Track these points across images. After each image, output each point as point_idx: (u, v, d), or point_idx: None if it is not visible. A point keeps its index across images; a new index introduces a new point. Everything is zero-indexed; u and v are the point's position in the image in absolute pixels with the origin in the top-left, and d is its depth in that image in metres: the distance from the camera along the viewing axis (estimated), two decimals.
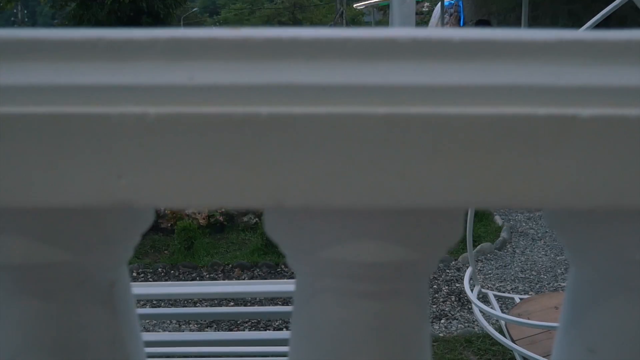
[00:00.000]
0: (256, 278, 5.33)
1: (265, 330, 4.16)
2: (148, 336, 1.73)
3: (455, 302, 4.48)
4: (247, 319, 4.19)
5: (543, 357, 2.44)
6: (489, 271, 5.07)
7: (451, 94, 0.30)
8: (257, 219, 5.99)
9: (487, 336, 2.92)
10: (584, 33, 0.31)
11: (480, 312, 2.74)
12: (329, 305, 0.37)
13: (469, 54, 0.31)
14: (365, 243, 0.34)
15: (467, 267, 3.07)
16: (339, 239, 0.34)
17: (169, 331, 4.06)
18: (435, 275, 4.91)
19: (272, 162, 0.30)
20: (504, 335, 2.75)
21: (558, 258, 5.18)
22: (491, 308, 2.82)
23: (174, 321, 4.26)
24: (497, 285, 4.78)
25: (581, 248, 0.37)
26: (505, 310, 3.36)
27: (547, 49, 0.31)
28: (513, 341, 2.66)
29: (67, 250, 0.35)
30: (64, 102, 0.30)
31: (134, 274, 5.25)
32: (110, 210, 0.37)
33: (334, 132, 0.29)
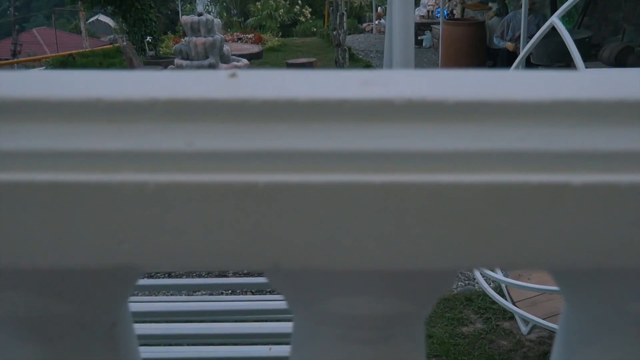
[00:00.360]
0: None
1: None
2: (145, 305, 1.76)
3: None
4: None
5: (543, 319, 2.48)
6: None
7: (445, 159, 0.30)
8: None
9: (487, 294, 2.96)
10: (577, 92, 0.31)
11: (481, 273, 2.77)
12: (326, 348, 0.38)
13: (462, 116, 0.31)
14: (362, 297, 0.35)
15: None
16: (336, 294, 0.35)
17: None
18: None
19: (269, 228, 0.30)
20: (504, 296, 2.79)
21: None
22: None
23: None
24: None
25: (575, 295, 0.38)
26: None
27: (541, 111, 0.31)
28: (513, 302, 2.70)
29: (69, 302, 0.36)
30: (64, 168, 0.30)
31: None
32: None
33: (330, 200, 0.30)
